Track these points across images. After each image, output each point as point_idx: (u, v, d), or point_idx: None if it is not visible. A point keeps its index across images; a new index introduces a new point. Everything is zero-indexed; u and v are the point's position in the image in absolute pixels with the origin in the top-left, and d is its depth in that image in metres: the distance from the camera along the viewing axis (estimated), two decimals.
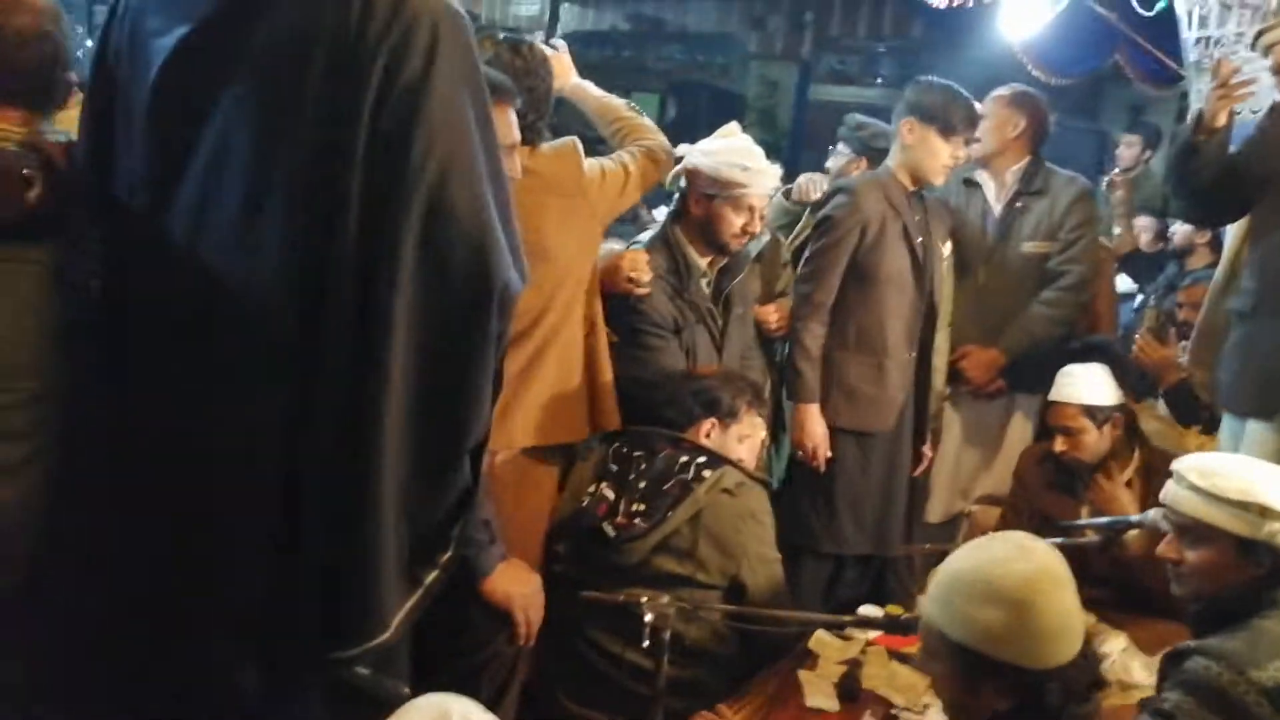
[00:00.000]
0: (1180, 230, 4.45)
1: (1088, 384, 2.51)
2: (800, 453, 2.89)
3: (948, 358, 3.18)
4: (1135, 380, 2.69)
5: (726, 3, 9.12)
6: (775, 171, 2.74)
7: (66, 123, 1.57)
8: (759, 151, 2.61)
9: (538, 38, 2.56)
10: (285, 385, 1.30)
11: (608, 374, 2.39)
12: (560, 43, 2.59)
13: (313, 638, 1.31)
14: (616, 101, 2.67)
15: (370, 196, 1.25)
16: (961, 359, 3.19)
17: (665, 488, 2.18)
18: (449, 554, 1.36)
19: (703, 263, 2.64)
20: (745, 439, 2.38)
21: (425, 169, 1.25)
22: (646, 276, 2.50)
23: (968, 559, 1.50)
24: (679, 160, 2.61)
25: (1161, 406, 3.16)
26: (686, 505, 2.16)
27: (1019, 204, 3.17)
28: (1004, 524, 2.69)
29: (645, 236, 2.79)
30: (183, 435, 1.33)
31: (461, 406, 1.32)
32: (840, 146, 3.42)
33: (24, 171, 1.43)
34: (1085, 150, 6.74)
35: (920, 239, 2.91)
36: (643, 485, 2.21)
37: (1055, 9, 4.02)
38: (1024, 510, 2.67)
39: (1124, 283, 4.45)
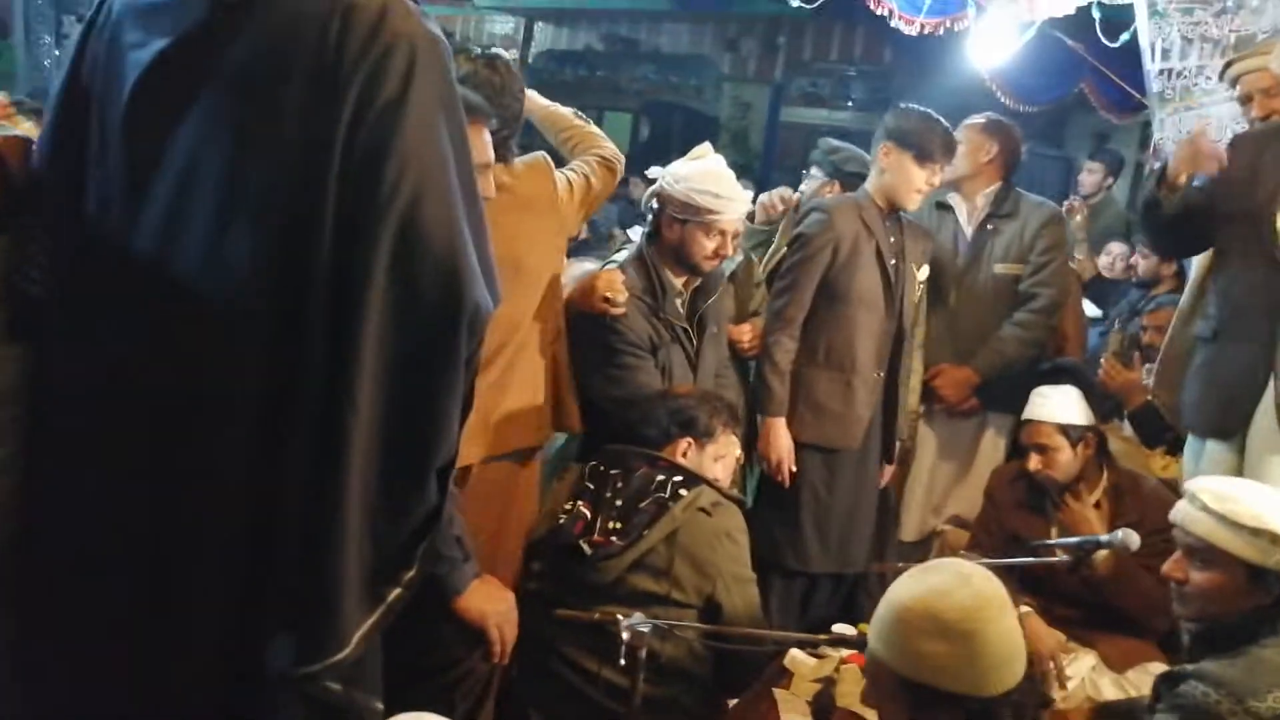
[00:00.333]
0: (1144, 264, 4.53)
1: (1062, 404, 2.55)
2: (765, 465, 2.90)
3: (921, 377, 3.21)
4: (1101, 402, 2.72)
5: (700, 25, 9.21)
6: (746, 196, 2.77)
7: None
8: (730, 176, 2.63)
9: (511, 55, 2.58)
10: (253, 402, 1.29)
11: (569, 378, 2.47)
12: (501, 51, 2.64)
13: (277, 653, 1.30)
14: (564, 110, 2.72)
15: (343, 217, 1.25)
16: (935, 377, 3.23)
17: (642, 506, 2.19)
18: (413, 572, 1.34)
19: (678, 283, 2.66)
20: (721, 458, 2.40)
21: (399, 191, 1.24)
22: (622, 297, 2.52)
23: (907, 591, 1.48)
24: (652, 182, 2.63)
25: (1127, 428, 3.21)
26: (663, 524, 2.16)
27: (990, 226, 3.23)
28: (974, 544, 2.71)
29: (620, 256, 2.81)
30: (147, 449, 1.32)
31: (429, 427, 1.31)
32: (813, 170, 3.43)
33: None
34: (1051, 176, 6.86)
35: (894, 261, 2.94)
36: (619, 503, 2.21)
37: (1024, 38, 4.08)
38: (994, 529, 2.69)
39: (1088, 308, 4.50)
